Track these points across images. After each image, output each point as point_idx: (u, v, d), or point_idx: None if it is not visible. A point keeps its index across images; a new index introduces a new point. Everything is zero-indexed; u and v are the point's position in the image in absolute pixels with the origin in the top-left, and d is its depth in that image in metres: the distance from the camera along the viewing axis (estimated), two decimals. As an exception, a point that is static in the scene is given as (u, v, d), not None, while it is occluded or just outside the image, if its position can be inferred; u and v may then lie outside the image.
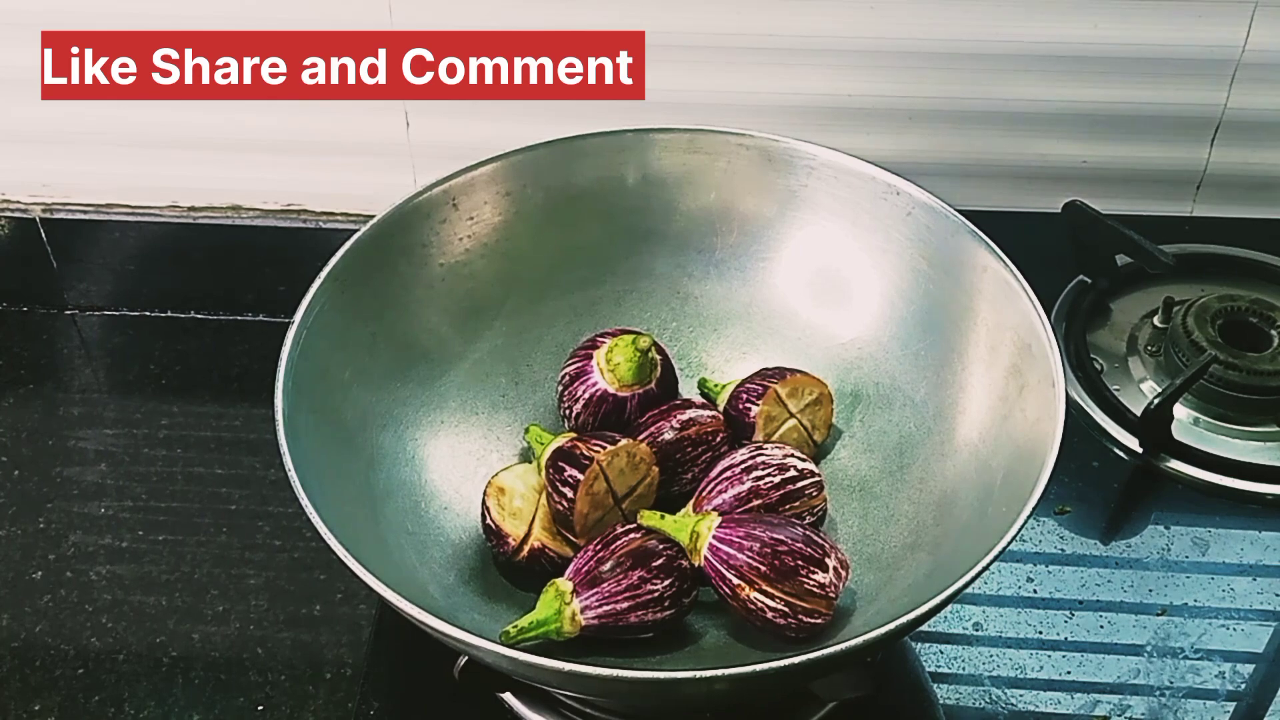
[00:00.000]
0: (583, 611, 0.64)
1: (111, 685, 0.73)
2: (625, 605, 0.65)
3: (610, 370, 0.74)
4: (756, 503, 0.68)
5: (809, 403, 0.75)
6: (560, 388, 0.76)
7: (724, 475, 0.69)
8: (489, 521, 0.69)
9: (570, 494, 0.67)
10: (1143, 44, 0.93)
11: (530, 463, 0.73)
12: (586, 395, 0.74)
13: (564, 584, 0.65)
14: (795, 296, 0.81)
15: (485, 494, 0.70)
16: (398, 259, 0.75)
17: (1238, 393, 0.86)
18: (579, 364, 0.75)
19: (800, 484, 0.69)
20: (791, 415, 0.75)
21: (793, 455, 0.70)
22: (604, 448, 0.68)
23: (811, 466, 0.70)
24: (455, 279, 0.78)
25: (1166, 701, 0.72)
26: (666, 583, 0.65)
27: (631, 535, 0.66)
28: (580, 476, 0.67)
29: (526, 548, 0.68)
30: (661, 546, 0.66)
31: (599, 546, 0.66)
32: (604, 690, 0.62)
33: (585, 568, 0.65)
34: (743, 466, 0.69)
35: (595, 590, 0.65)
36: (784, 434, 0.74)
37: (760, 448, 0.70)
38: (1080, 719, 0.71)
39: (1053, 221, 0.95)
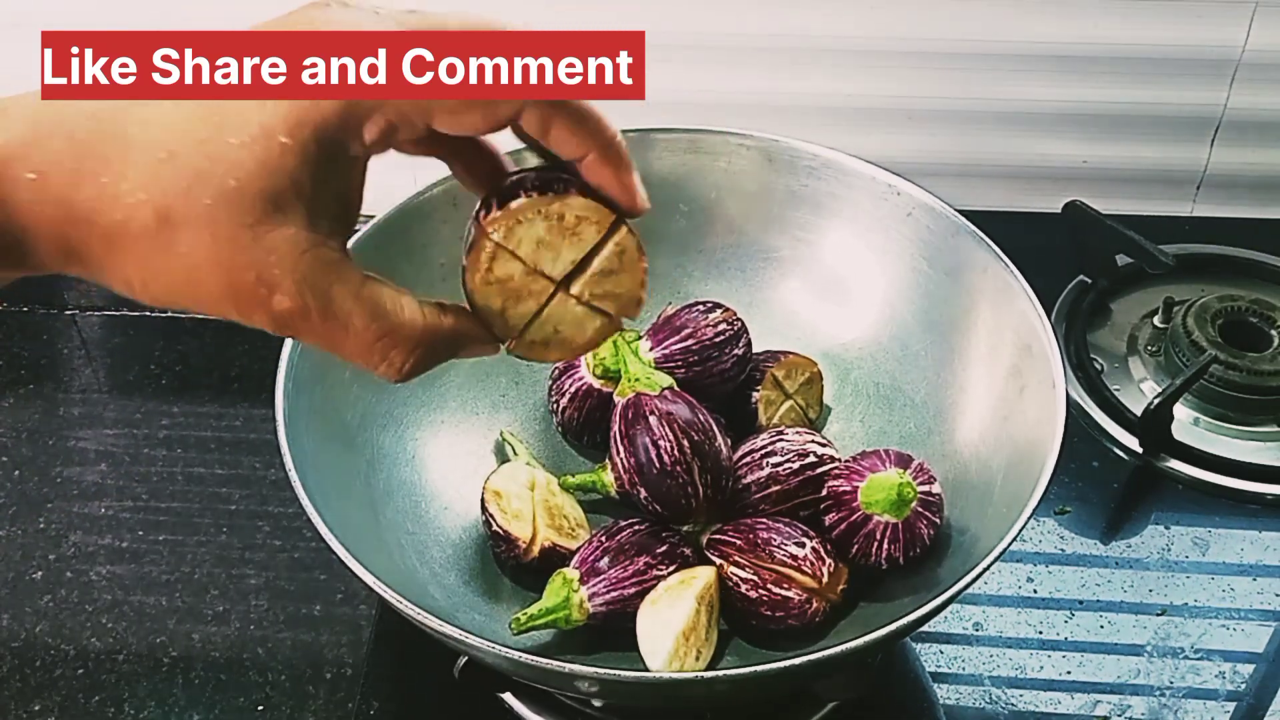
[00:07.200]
0: (590, 599, 0.65)
1: (112, 685, 0.73)
2: (632, 591, 0.65)
3: (597, 365, 0.74)
4: (775, 489, 0.68)
5: (802, 382, 0.75)
6: (550, 382, 0.76)
7: (743, 461, 0.69)
8: (496, 528, 0.69)
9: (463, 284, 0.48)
10: (1143, 44, 0.93)
11: (510, 461, 0.73)
12: (573, 389, 0.74)
13: (570, 573, 0.65)
14: (795, 296, 0.81)
15: (484, 501, 0.70)
16: (398, 259, 0.75)
17: (1238, 393, 0.86)
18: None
19: (820, 470, 0.69)
20: (788, 397, 0.75)
21: (814, 441, 0.70)
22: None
23: (832, 451, 0.70)
24: (456, 279, 0.77)
25: (1166, 701, 0.72)
26: (671, 569, 0.66)
27: (635, 525, 0.67)
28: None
29: (537, 547, 0.68)
30: (665, 534, 0.67)
31: (603, 537, 0.67)
32: (604, 690, 0.62)
33: (590, 556, 0.66)
34: (763, 452, 0.69)
35: (602, 578, 0.65)
36: (782, 415, 0.74)
37: (781, 433, 0.70)
38: (1080, 719, 0.71)
39: (1053, 221, 0.95)
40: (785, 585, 0.65)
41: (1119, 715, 0.71)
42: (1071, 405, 0.83)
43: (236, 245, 0.37)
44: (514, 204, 0.45)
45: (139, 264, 0.37)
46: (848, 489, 0.66)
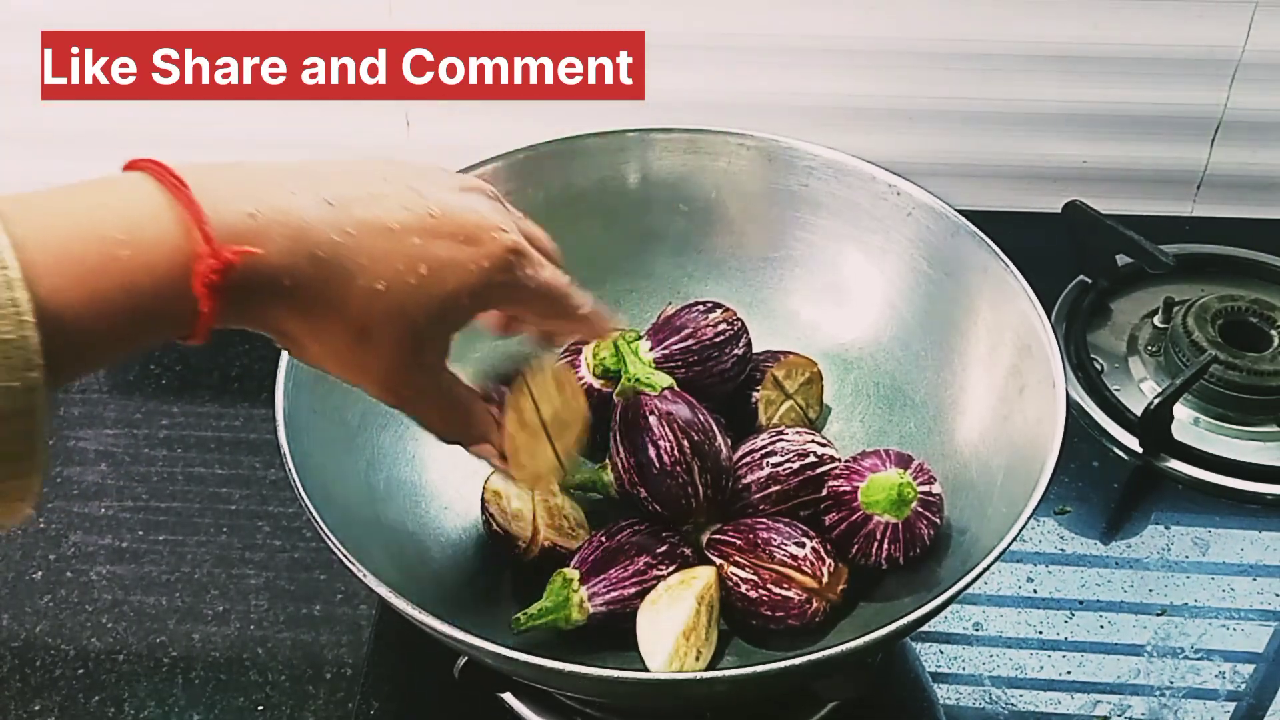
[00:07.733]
0: (590, 599, 0.65)
1: (111, 685, 0.73)
2: (632, 591, 0.65)
3: (597, 365, 0.74)
4: (775, 489, 0.68)
5: (802, 383, 0.75)
6: None
7: (743, 461, 0.69)
8: (495, 528, 0.69)
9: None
10: (1143, 44, 0.93)
11: None
12: None
13: (570, 572, 0.65)
14: (795, 296, 0.81)
15: (484, 500, 0.70)
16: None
17: (1238, 393, 0.86)
18: (568, 359, 0.75)
19: (819, 470, 0.69)
20: (788, 397, 0.75)
21: (814, 441, 0.70)
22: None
23: (832, 451, 0.70)
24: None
25: (1166, 701, 0.72)
26: (671, 569, 0.66)
27: (635, 525, 0.67)
28: (507, 390, 0.59)
29: (536, 546, 0.68)
30: (664, 534, 0.67)
31: (603, 537, 0.67)
32: (604, 690, 0.62)
33: (591, 556, 0.66)
34: (763, 452, 0.69)
35: (602, 578, 0.65)
36: (782, 415, 0.74)
37: (781, 433, 0.70)
38: (1080, 719, 0.71)
39: (1053, 221, 0.95)
40: (785, 585, 0.65)
41: (1119, 715, 0.71)
42: (1071, 405, 0.83)
43: (404, 362, 0.50)
44: (547, 364, 0.60)
45: (322, 348, 0.49)
46: (848, 489, 0.66)
